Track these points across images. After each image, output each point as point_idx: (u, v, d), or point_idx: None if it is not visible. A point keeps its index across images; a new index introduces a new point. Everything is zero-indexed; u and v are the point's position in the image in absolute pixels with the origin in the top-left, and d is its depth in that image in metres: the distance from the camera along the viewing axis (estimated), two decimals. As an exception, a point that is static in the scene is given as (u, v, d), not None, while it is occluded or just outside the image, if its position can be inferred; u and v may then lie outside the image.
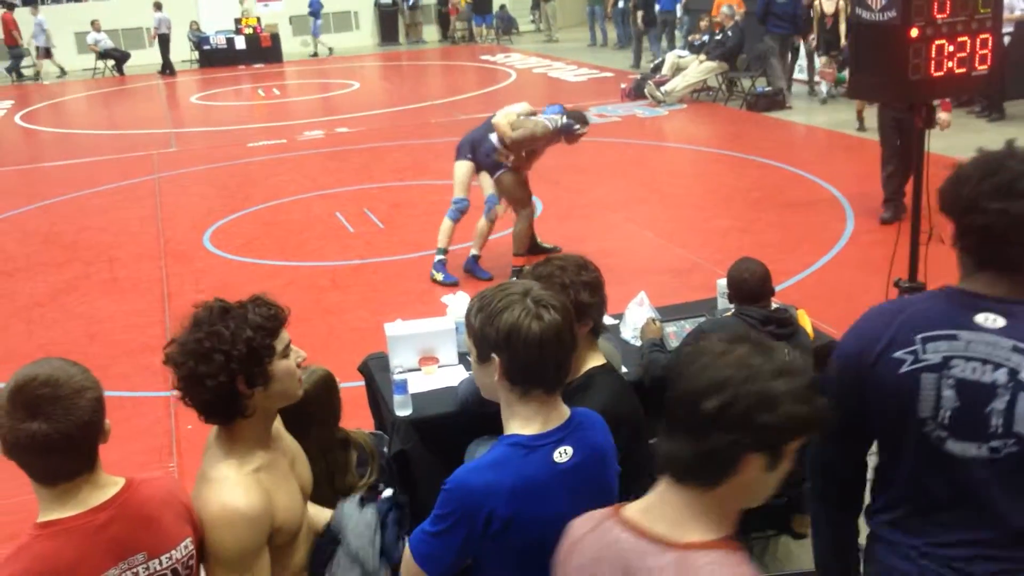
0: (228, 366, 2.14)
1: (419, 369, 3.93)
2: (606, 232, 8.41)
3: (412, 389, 3.68)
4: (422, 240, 8.30)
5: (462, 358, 4.02)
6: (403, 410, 3.62)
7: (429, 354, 3.98)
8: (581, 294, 2.76)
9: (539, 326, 2.06)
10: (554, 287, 2.67)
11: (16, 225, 9.85)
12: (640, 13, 18.10)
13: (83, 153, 13.45)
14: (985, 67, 3.95)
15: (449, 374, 3.88)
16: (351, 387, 3.99)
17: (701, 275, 6.95)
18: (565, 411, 2.20)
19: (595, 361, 2.87)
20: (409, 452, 3.59)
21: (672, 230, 8.39)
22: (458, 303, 4.24)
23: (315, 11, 23.66)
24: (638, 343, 3.99)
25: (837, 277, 6.95)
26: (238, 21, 23.11)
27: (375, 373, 4.03)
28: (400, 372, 3.71)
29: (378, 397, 3.97)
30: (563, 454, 2.14)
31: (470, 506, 2.10)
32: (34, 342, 6.65)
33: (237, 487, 2.18)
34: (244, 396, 2.19)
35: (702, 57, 14.25)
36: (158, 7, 21.77)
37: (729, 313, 3.77)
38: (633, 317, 4.21)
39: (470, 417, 3.61)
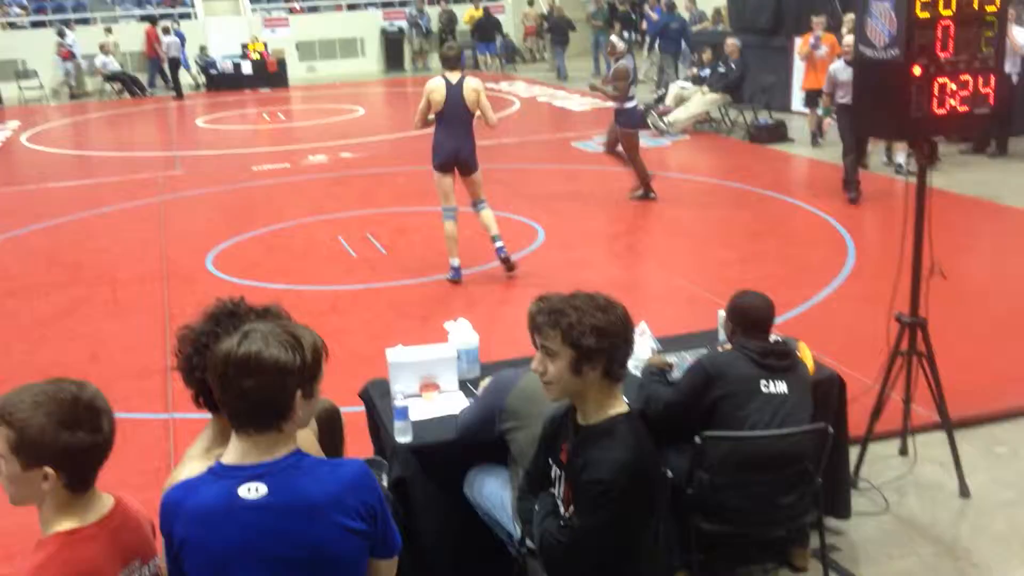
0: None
1: (420, 395, 3.94)
2: (608, 261, 8.43)
3: (413, 416, 3.68)
4: (424, 266, 8.32)
5: (463, 385, 4.02)
6: (403, 436, 3.62)
7: (430, 381, 3.98)
8: (586, 338, 2.64)
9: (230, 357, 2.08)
10: (559, 325, 2.67)
11: (21, 245, 9.88)
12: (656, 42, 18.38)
13: (89, 174, 13.52)
14: (987, 107, 3.98)
15: (450, 401, 3.89)
16: (351, 412, 3.99)
17: (702, 306, 6.95)
18: (284, 449, 2.16)
19: (616, 407, 2.78)
20: (408, 479, 3.59)
21: (673, 260, 8.41)
22: (460, 330, 4.25)
23: None
24: (639, 373, 3.99)
25: (838, 310, 6.96)
26: (245, 46, 23.28)
27: (376, 399, 4.03)
28: (401, 398, 3.72)
29: (378, 423, 3.97)
30: (252, 490, 2.10)
31: (162, 521, 2.16)
32: (36, 363, 6.65)
33: (189, 463, 2.33)
34: None
35: (705, 89, 14.34)
36: (166, 31, 21.97)
37: (728, 346, 3.78)
38: (634, 347, 4.20)
39: (469, 445, 3.62)
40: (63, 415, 2.00)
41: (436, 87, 7.40)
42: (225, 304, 2.43)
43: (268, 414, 2.11)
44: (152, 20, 23.34)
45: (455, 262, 7.77)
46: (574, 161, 12.94)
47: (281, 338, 2.10)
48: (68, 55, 22.48)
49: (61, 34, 22.71)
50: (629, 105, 10.05)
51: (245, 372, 2.06)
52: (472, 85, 7.44)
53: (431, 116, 7.48)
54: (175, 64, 21.90)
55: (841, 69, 9.96)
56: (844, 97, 9.85)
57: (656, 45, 18.62)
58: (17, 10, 23.94)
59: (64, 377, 2.10)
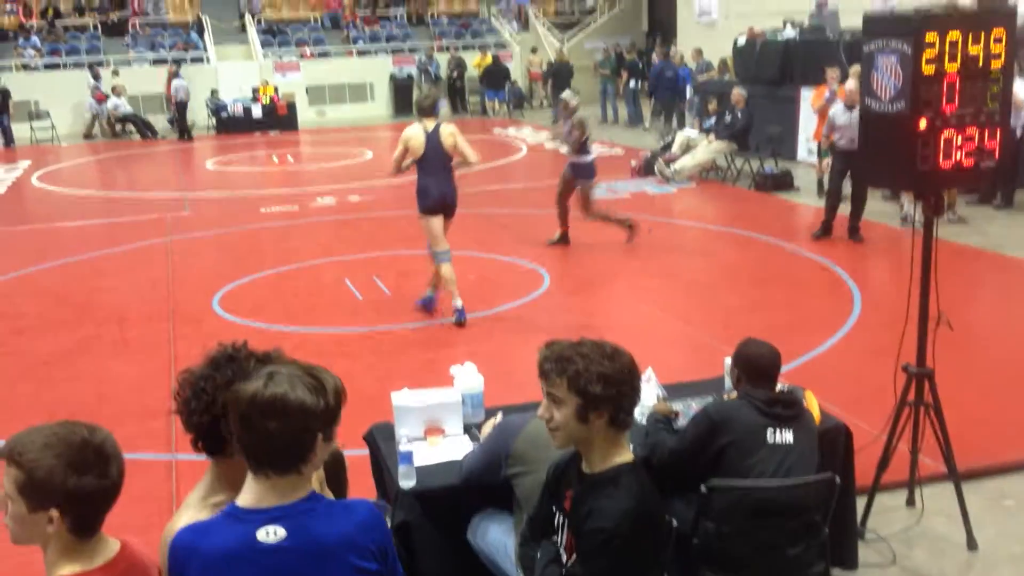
0: (211, 409, 2.29)
1: (424, 440, 3.93)
2: (613, 307, 8.44)
3: (417, 460, 3.68)
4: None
5: (468, 430, 4.02)
6: (407, 481, 3.61)
7: (435, 425, 3.98)
8: (592, 386, 2.64)
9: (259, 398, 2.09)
10: (565, 373, 2.67)
11: (29, 283, 9.92)
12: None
13: (98, 214, 13.61)
14: (993, 160, 4.01)
15: (454, 446, 3.88)
16: (355, 455, 3.98)
17: (708, 353, 6.95)
18: (301, 492, 2.16)
19: (621, 455, 2.78)
20: (412, 523, 3.58)
21: (679, 307, 8.42)
22: (465, 374, 4.25)
23: None
24: (644, 420, 3.98)
25: (845, 359, 6.94)
26: (256, 90, 23.54)
27: (380, 442, 4.03)
28: (406, 442, 3.71)
29: (382, 467, 3.96)
30: (270, 534, 2.10)
31: (173, 565, 2.15)
32: (42, 402, 6.66)
33: (186, 512, 2.32)
34: (225, 438, 2.27)
35: (711, 137, 14.45)
36: (176, 75, 22.26)
37: (734, 395, 3.77)
38: (640, 394, 4.20)
39: (473, 491, 3.60)
40: (72, 458, 2.00)
41: (414, 135, 7.58)
42: (225, 349, 2.44)
43: (290, 457, 2.12)
44: (177, 64, 23.80)
45: (458, 303, 7.82)
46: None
47: (305, 381, 2.12)
48: (103, 97, 22.86)
49: (96, 76, 23.13)
50: (588, 158, 10.09)
51: (270, 414, 2.06)
52: (448, 130, 7.63)
53: (406, 163, 7.69)
54: (182, 107, 22.20)
55: (840, 113, 10.20)
56: (840, 140, 10.20)
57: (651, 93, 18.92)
58: (32, 52, 24.24)
59: (76, 420, 2.10)
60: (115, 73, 23.39)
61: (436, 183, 7.60)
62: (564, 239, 10.48)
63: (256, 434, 2.09)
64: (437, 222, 7.69)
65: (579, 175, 10.16)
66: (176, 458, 5.68)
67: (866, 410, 5.13)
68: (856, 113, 10.13)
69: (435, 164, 7.57)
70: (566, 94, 10.47)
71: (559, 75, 24.15)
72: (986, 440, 5.39)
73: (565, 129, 10.17)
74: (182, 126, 22.23)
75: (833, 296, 8.52)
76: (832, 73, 12.96)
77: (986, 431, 5.52)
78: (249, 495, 2.15)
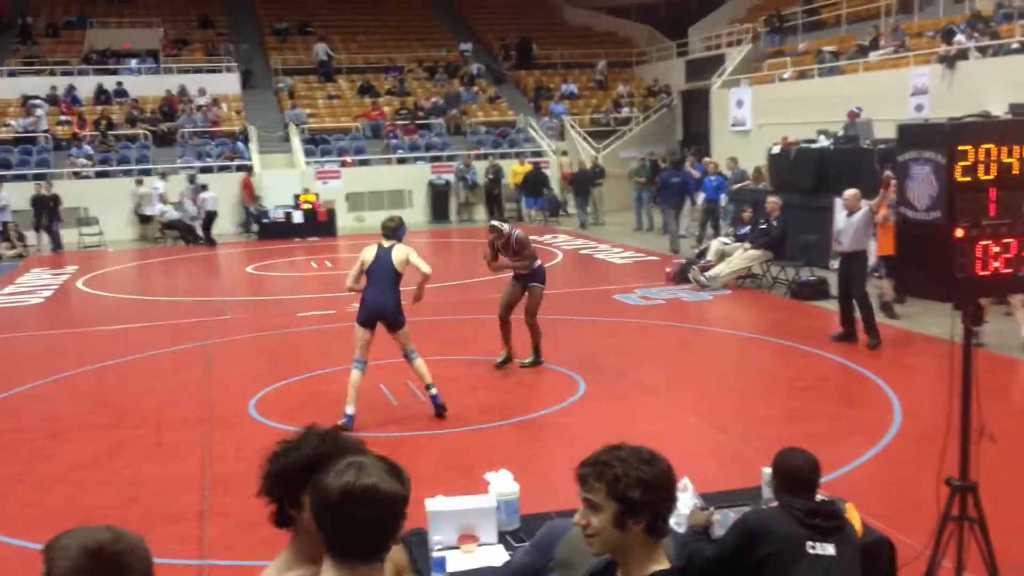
0: (275, 488, 2.42)
1: (458, 547, 3.88)
2: (649, 415, 8.37)
3: (450, 567, 3.63)
4: (465, 414, 8.33)
5: (502, 538, 3.97)
6: (440, 589, 3.56)
7: (469, 532, 3.94)
8: (632, 491, 2.59)
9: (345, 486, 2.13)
10: (603, 478, 2.64)
11: (69, 386, 10.05)
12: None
13: (140, 318, 13.84)
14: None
15: (488, 554, 3.83)
16: (388, 564, 3.94)
17: (743, 462, 6.85)
18: None
19: (658, 563, 2.68)
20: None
21: (715, 415, 8.33)
22: (500, 481, 4.22)
23: None
24: (681, 530, 3.91)
25: (886, 471, 6.80)
26: (297, 197, 24.08)
27: (413, 549, 3.98)
28: (439, 549, 3.67)
29: (415, 574, 3.91)
30: None
31: None
32: (76, 504, 6.68)
33: None
34: (292, 514, 2.40)
35: (746, 245, 14.50)
36: (204, 187, 23.10)
37: (774, 504, 3.70)
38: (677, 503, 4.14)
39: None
40: (82, 565, 1.99)
41: (368, 250, 8.25)
42: (300, 433, 2.54)
43: (379, 545, 2.18)
44: (249, 170, 24.71)
45: (350, 410, 8.08)
46: (616, 314, 13.02)
47: (387, 469, 2.20)
48: (198, 200, 23.67)
49: (191, 179, 24.02)
50: (537, 263, 9.91)
51: (364, 504, 2.12)
52: (403, 249, 8.17)
53: (353, 282, 8.29)
54: (211, 217, 22.92)
55: (842, 218, 10.86)
56: (841, 245, 10.79)
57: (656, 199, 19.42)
58: (84, 161, 25.05)
59: (111, 526, 2.09)
60: (163, 176, 24.13)
61: (374, 294, 8.08)
62: (509, 359, 10.04)
63: (348, 524, 2.14)
64: (363, 332, 8.14)
65: (532, 280, 9.89)
66: (207, 564, 5.64)
67: (908, 524, 5.01)
68: (856, 218, 10.43)
69: (378, 276, 8.08)
70: (494, 222, 10.12)
71: (580, 182, 24.66)
72: (1036, 556, 5.22)
73: (508, 256, 9.86)
74: (207, 235, 22.83)
75: (872, 406, 8.39)
76: (891, 178, 13.08)
77: (1035, 547, 5.35)
78: None
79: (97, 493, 6.92)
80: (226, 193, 24.29)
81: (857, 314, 10.65)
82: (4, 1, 32.83)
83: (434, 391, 8.32)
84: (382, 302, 8.06)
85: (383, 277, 8.08)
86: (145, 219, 24.19)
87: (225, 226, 24.46)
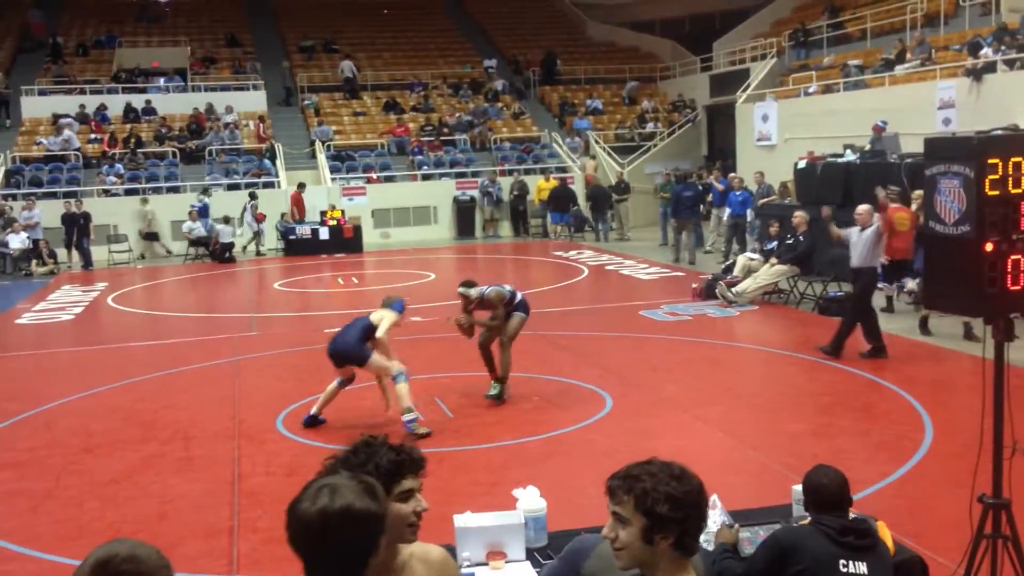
0: None
1: (486, 564, 3.88)
2: (676, 431, 8.33)
3: (478, 585, 3.63)
4: (492, 431, 8.32)
5: (530, 554, 3.96)
6: (469, 607, 3.55)
7: (497, 548, 3.93)
8: (660, 506, 2.58)
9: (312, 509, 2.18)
10: (632, 491, 2.63)
11: (100, 402, 10.14)
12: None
13: (168, 335, 13.95)
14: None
15: (516, 571, 3.82)
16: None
17: (773, 479, 6.81)
18: None
19: None
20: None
21: (743, 431, 8.28)
22: (528, 497, 4.22)
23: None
24: (710, 547, 3.89)
25: (917, 489, 6.73)
26: (323, 213, 24.23)
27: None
28: (467, 565, 3.67)
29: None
30: None
31: None
32: (106, 519, 6.73)
33: None
34: None
35: (773, 260, 14.44)
36: (227, 220, 23.24)
37: (806, 521, 3.68)
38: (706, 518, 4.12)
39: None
40: None
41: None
42: (364, 437, 2.66)
43: (358, 564, 2.20)
44: (301, 186, 25.00)
45: (315, 410, 8.72)
46: (642, 330, 12.99)
47: (362, 488, 2.23)
48: (262, 217, 24.06)
49: (253, 196, 24.34)
50: (519, 297, 9.61)
51: (341, 526, 2.15)
52: (382, 311, 8.84)
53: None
54: (225, 248, 23.04)
55: (854, 233, 10.80)
56: (854, 260, 10.85)
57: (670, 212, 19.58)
58: (113, 179, 25.34)
59: (146, 545, 2.11)
60: (205, 192, 24.43)
61: (340, 334, 8.75)
62: (502, 384, 9.57)
63: (325, 547, 2.16)
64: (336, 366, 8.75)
65: (515, 310, 9.58)
66: (236, 579, 5.66)
67: (941, 543, 4.95)
68: (866, 235, 10.38)
69: (350, 324, 8.83)
70: (461, 289, 9.82)
71: (597, 198, 24.74)
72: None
73: (487, 316, 9.61)
74: (222, 256, 23.04)
75: (903, 422, 8.31)
76: (917, 196, 13.05)
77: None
78: None
79: (127, 508, 6.97)
80: (264, 211, 24.50)
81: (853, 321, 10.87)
82: (38, 21, 33.36)
83: (407, 417, 8.36)
84: (337, 344, 8.67)
85: (354, 324, 8.77)
86: (150, 236, 24.45)
87: (272, 241, 24.85)
